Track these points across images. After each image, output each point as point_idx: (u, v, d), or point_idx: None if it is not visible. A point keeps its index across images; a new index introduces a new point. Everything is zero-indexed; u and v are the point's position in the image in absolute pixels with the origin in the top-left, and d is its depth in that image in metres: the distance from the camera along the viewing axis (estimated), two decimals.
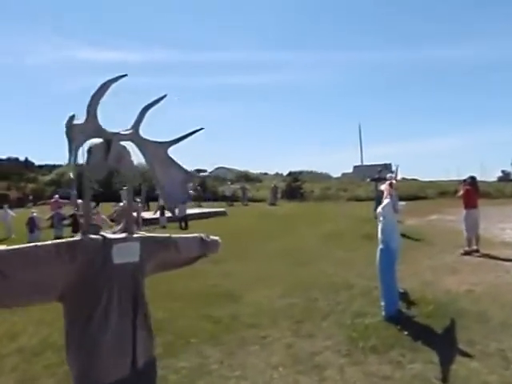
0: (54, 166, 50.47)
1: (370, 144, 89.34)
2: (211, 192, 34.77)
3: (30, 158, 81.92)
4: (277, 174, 56.35)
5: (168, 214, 17.83)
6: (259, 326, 5.40)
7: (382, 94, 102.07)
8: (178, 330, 5.41)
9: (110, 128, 2.08)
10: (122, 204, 15.36)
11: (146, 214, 19.20)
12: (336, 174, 57.25)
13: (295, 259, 9.70)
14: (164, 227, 17.27)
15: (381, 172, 15.75)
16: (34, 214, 14.66)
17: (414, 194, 25.85)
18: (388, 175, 14.34)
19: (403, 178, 48.17)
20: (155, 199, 19.89)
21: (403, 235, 12.32)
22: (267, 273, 8.47)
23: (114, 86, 1.99)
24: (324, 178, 50.22)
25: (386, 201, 5.60)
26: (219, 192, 33.00)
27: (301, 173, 56.72)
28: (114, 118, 2.22)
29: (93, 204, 18.66)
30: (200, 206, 27.06)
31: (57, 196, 19.42)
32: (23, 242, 1.90)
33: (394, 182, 5.83)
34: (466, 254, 9.68)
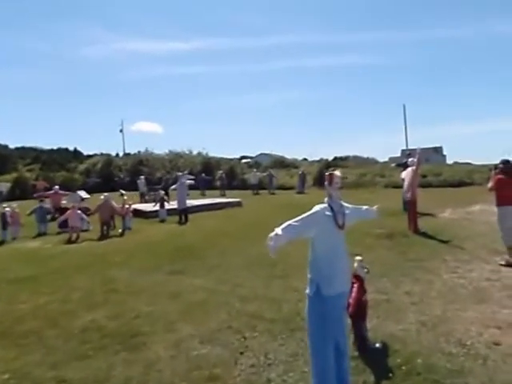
0: (102, 155, 50.03)
1: (421, 126, 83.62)
2: (240, 180, 32.76)
3: (78, 148, 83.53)
4: (321, 160, 53.86)
5: (168, 206, 16.01)
6: None
7: (430, 75, 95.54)
8: None
9: None
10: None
11: (145, 206, 17.53)
12: (384, 158, 53.93)
13: (273, 270, 7.41)
14: (163, 220, 15.40)
15: (409, 156, 12.97)
16: (7, 209, 13.18)
17: (460, 179, 22.52)
18: (410, 159, 11.63)
19: (455, 162, 44.19)
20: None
21: (426, 235, 9.80)
22: (219, 294, 6.29)
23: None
24: (370, 162, 47.06)
25: (315, 208, 3.21)
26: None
27: (346, 158, 53.91)
28: None
29: (81, 196, 17.14)
30: (224, 196, 25.20)
31: (57, 187, 18.02)
32: None
33: (336, 173, 3.29)
34: (508, 265, 7.02)
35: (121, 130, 56.38)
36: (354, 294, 3.88)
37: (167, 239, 11.31)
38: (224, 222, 14.37)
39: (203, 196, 25.45)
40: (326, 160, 37.68)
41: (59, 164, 60.08)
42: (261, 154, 61.90)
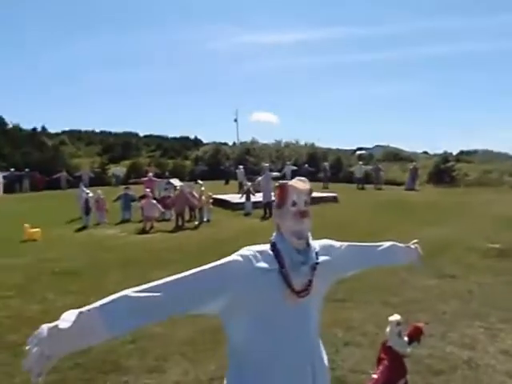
0: (215, 144, 51.12)
1: None
2: (346, 172, 30.64)
3: (199, 137, 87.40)
4: (445, 153, 48.82)
5: (254, 198, 15.04)
6: None
7: None
8: None
9: None
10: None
11: (232, 198, 16.77)
12: None
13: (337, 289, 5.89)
14: (247, 214, 14.49)
15: None
16: (90, 195, 13.29)
17: None
18: None
19: None
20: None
21: None
22: None
23: None
24: (501, 158, 41.31)
25: (234, 256, 1.55)
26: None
27: (474, 152, 48.16)
28: None
29: (172, 184, 16.79)
30: (326, 188, 23.72)
31: (151, 174, 18.19)
32: None
33: (294, 186, 1.57)
34: None
35: (235, 120, 57.29)
36: (378, 379, 2.32)
37: (237, 237, 10.29)
38: None
39: None
40: (450, 154, 33.43)
41: (177, 151, 63.21)
42: (376, 145, 58.56)
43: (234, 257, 1.54)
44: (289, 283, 1.53)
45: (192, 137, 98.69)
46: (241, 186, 23.86)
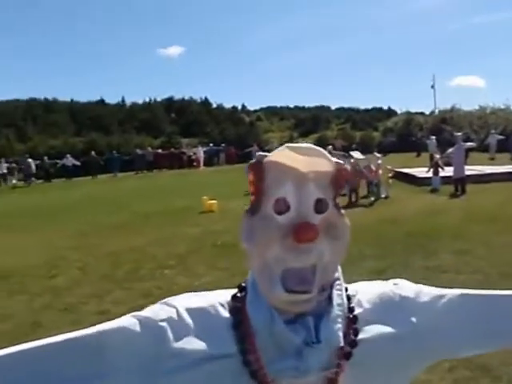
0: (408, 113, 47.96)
1: None
2: None
3: (392, 107, 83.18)
4: None
5: (444, 173, 13.13)
6: None
7: None
8: None
9: None
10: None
11: (418, 172, 14.99)
12: None
13: None
14: (434, 190, 12.79)
15: None
16: None
17: None
18: None
19: None
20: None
21: None
22: None
23: None
24: None
25: (128, 318, 0.68)
26: None
27: None
28: None
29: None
30: None
31: (330, 147, 17.66)
32: None
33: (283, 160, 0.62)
34: None
35: (432, 86, 52.27)
36: None
37: (416, 217, 8.99)
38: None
39: None
40: None
41: (368, 123, 61.12)
42: None
43: (126, 321, 0.68)
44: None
45: (385, 107, 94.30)
46: (431, 158, 21.52)
